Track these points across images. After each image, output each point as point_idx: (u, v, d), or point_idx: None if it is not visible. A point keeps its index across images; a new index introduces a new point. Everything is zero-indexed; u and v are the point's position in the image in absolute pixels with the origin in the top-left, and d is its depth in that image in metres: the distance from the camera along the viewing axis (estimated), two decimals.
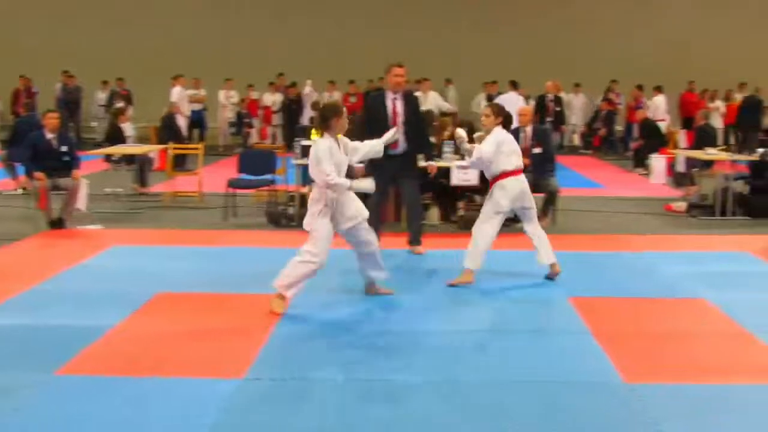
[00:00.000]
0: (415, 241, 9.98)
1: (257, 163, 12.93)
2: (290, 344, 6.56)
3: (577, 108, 25.57)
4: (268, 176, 12.68)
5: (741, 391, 5.64)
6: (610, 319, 7.38)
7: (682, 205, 13.43)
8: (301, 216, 11.49)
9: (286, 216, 11.87)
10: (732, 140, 24.27)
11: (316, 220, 7.48)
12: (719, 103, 24.71)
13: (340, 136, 7.56)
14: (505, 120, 8.56)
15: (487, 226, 8.38)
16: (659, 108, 21.72)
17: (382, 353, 6.37)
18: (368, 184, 7.63)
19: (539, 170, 11.72)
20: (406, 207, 10.34)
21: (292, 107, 24.42)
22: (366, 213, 7.71)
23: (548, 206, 11.79)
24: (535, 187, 11.51)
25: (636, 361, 6.20)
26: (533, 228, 8.66)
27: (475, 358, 6.29)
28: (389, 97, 9.86)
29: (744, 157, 13.73)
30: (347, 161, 7.63)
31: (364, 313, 7.49)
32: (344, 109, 7.58)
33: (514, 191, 8.40)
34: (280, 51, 26.38)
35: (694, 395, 5.55)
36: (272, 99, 25.04)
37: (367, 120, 9.93)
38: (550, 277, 8.60)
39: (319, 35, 26.92)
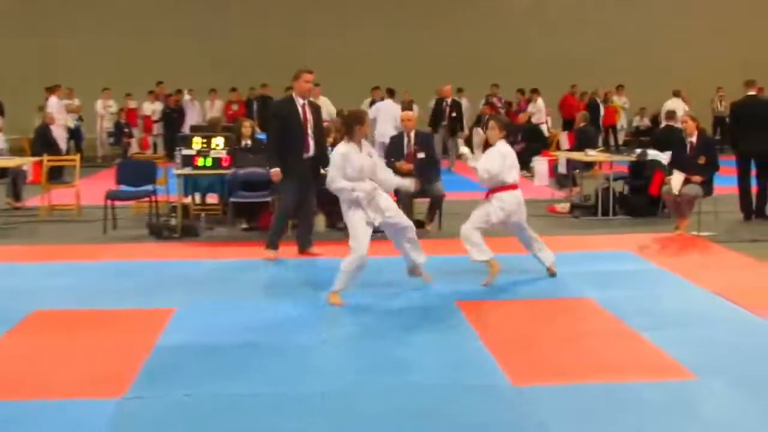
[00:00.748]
0: (309, 244, 10.20)
1: (137, 174, 12.66)
2: (173, 359, 6.38)
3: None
4: (148, 187, 12.41)
5: (629, 390, 5.70)
6: (497, 322, 7.43)
7: (565, 206, 13.68)
8: (184, 227, 11.44)
9: (168, 227, 11.66)
10: (612, 141, 24.93)
11: (347, 216, 8.06)
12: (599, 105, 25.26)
13: (363, 143, 8.24)
14: (508, 133, 8.96)
15: (474, 228, 8.74)
16: (541, 111, 22.10)
17: (260, 365, 6.24)
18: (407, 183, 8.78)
19: (424, 175, 11.75)
20: (303, 213, 10.25)
21: (172, 116, 24.06)
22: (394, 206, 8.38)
23: (434, 211, 11.86)
24: (419, 193, 11.65)
25: (524, 364, 6.23)
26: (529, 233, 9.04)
27: (360, 364, 6.24)
28: (299, 103, 9.92)
29: (623, 158, 14.03)
30: (373, 163, 8.26)
31: (246, 324, 7.34)
32: (367, 118, 8.37)
33: (511, 205, 8.75)
34: (159, 59, 25.89)
35: (582, 396, 5.60)
36: (152, 108, 24.66)
37: (279, 127, 9.96)
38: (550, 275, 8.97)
39: (199, 41, 26.52)
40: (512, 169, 8.75)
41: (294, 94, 10.07)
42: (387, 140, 13.73)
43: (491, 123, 8.98)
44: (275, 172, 9.80)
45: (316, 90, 21.62)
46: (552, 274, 8.92)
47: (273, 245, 10.02)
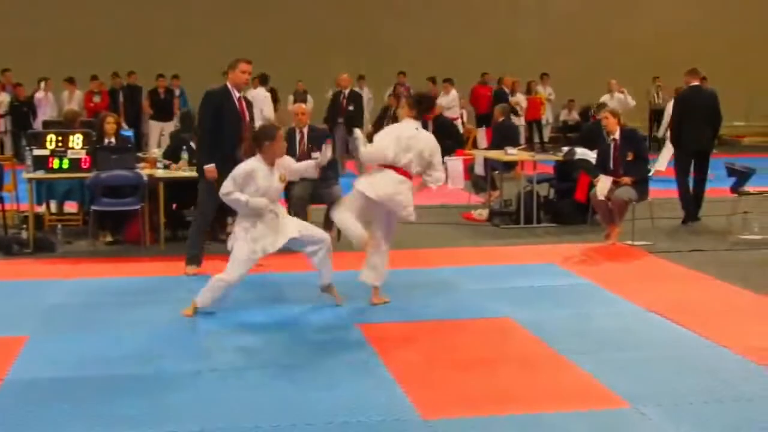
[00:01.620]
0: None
1: None
2: (24, 396, 6.31)
3: (364, 104, 25.95)
4: None
5: (553, 421, 5.84)
6: (403, 346, 7.52)
7: (482, 213, 13.88)
8: (37, 241, 11.31)
9: (19, 241, 11.52)
10: (536, 138, 25.30)
11: (236, 237, 8.25)
12: (520, 97, 25.55)
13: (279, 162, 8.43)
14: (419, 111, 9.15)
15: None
16: (455, 104, 22.32)
17: (136, 402, 6.24)
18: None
19: (320, 177, 11.80)
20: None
21: (22, 110, 23.68)
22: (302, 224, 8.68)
23: (331, 219, 11.89)
24: (314, 197, 11.72)
25: (435, 394, 6.33)
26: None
27: (241, 401, 6.23)
28: (234, 95, 10.08)
29: (548, 157, 14.28)
30: (279, 189, 8.46)
31: (111, 354, 7.30)
32: (280, 133, 8.48)
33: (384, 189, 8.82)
34: (5, 41, 25.45)
35: (500, 429, 5.73)
36: None
37: (212, 119, 9.97)
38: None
39: (52, 21, 26.15)
40: (407, 152, 8.78)
41: (229, 85, 10.11)
42: None
43: (402, 101, 9.26)
44: (210, 168, 9.76)
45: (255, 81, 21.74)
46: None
47: (194, 260, 10.04)
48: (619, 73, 23.85)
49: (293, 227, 8.42)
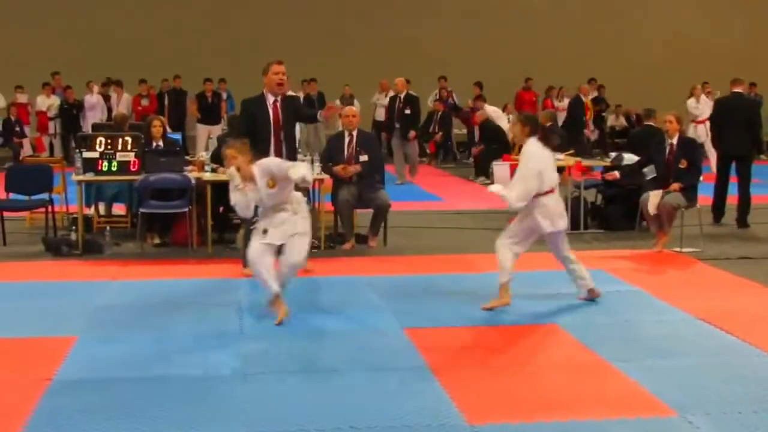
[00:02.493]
0: None
1: (30, 181, 12.60)
2: (74, 397, 6.38)
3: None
4: (44, 196, 12.37)
5: (599, 428, 5.82)
6: (450, 351, 7.52)
7: None
8: (86, 243, 11.42)
9: (68, 243, 11.63)
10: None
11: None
12: (566, 102, 25.52)
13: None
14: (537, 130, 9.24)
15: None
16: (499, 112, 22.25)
17: (180, 404, 6.29)
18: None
19: (366, 181, 11.87)
20: None
21: (71, 113, 23.93)
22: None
23: (377, 223, 11.93)
24: (360, 201, 11.77)
25: (481, 399, 6.33)
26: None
27: (296, 403, 6.28)
28: (269, 101, 10.03)
29: (596, 162, 14.22)
30: (274, 194, 8.29)
31: (159, 355, 7.37)
32: (230, 152, 8.40)
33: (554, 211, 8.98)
34: (54, 45, 25.73)
35: None
36: (47, 103, 24.48)
37: (246, 127, 9.97)
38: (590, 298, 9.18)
39: (100, 25, 26.41)
40: (553, 171, 9.10)
41: (264, 91, 10.09)
42: None
43: (512, 119, 9.37)
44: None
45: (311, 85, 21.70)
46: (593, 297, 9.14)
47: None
48: (666, 80, 23.70)
49: (286, 233, 8.34)
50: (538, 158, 8.92)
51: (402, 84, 20.31)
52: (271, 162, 8.57)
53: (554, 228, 8.91)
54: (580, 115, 23.68)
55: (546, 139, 9.04)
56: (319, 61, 25.48)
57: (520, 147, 19.54)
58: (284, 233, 8.29)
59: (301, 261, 8.40)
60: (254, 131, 9.78)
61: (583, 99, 23.88)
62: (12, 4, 26.27)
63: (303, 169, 8.23)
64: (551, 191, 8.92)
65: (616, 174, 12.22)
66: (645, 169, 12.80)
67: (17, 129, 23.56)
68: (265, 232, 8.28)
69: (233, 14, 26.93)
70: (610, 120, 27.53)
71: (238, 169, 8.32)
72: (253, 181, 8.27)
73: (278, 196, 8.32)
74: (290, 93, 10.29)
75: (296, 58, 25.40)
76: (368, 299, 9.18)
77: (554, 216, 8.91)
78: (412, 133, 19.48)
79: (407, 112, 19.76)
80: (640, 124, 17.36)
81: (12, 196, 12.49)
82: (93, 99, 23.97)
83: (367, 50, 26.93)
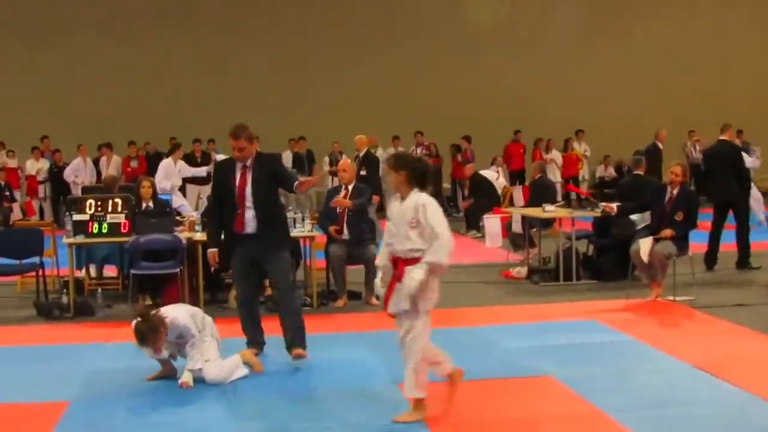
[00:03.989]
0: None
1: (21, 245, 12.56)
2: None
3: None
4: (34, 259, 12.34)
5: None
6: (445, 405, 7.47)
7: (521, 271, 13.85)
8: (77, 305, 11.39)
9: (59, 306, 11.60)
10: (573, 194, 25.28)
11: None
12: (556, 154, 25.70)
13: None
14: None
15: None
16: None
17: None
18: None
19: (356, 236, 11.87)
20: (252, 306, 9.46)
21: (60, 176, 23.95)
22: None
23: (372, 279, 11.88)
24: (351, 257, 11.77)
25: None
26: None
27: None
28: (238, 165, 8.92)
29: (586, 213, 14.24)
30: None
31: (155, 421, 7.35)
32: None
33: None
34: (39, 110, 25.81)
35: None
36: (37, 166, 24.53)
37: (215, 195, 9.44)
38: None
39: (90, 91, 26.54)
40: None
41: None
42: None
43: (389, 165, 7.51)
44: (210, 253, 9.19)
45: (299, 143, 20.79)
46: None
47: (250, 343, 9.26)
48: (652, 128, 23.76)
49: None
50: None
51: (361, 141, 19.39)
52: (181, 327, 8.25)
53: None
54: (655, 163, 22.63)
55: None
56: (308, 118, 25.64)
57: (511, 199, 19.60)
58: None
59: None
60: (224, 196, 8.98)
61: (660, 146, 23.02)
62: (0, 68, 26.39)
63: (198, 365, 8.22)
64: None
65: (614, 207, 12.20)
66: (636, 219, 12.83)
67: (7, 193, 23.54)
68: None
69: (221, 74, 27.00)
70: (599, 170, 27.68)
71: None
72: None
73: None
74: (271, 152, 9.54)
75: (286, 115, 25.72)
76: (361, 355, 9.15)
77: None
78: (374, 197, 15.19)
79: (362, 173, 16.66)
80: (629, 174, 17.38)
81: (2, 260, 12.45)
82: (82, 162, 23.98)
83: (354, 105, 27.04)
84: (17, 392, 8.04)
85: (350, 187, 12.18)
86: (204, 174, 20.48)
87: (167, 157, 18.65)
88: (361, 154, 18.17)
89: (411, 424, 7.00)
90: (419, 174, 7.09)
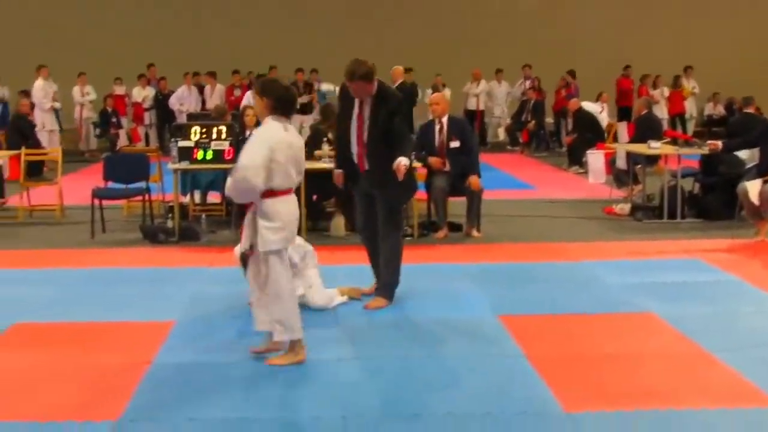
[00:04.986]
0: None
1: (127, 170, 12.79)
2: (174, 378, 6.51)
3: (501, 98, 26.03)
4: (140, 184, 12.55)
5: (698, 418, 5.77)
6: (546, 339, 7.48)
7: (624, 207, 13.70)
8: (182, 230, 11.59)
9: (165, 230, 11.80)
10: (679, 131, 24.90)
11: None
12: (663, 90, 25.30)
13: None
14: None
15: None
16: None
17: (280, 387, 6.36)
18: None
19: (458, 168, 11.84)
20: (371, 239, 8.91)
21: (166, 103, 24.25)
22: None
23: (474, 212, 11.87)
24: (454, 189, 11.75)
25: (576, 387, 6.29)
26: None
27: (391, 388, 6.32)
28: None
29: (693, 151, 14.01)
30: None
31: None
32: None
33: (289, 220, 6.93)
34: (148, 39, 26.13)
35: (643, 423, 5.66)
36: (143, 94, 24.86)
37: (338, 123, 8.97)
38: None
39: (195, 19, 26.75)
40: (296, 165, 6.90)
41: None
42: None
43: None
44: (335, 174, 8.88)
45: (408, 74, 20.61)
46: None
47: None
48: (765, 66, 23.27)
49: None
50: (274, 140, 6.72)
51: (398, 72, 19.02)
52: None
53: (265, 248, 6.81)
54: None
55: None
56: (412, 50, 25.54)
57: (614, 135, 19.38)
58: None
59: None
60: (344, 126, 8.59)
61: None
62: (108, 6, 26.71)
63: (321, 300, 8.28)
64: (285, 193, 6.85)
65: (719, 144, 11.99)
66: (745, 157, 12.60)
67: (114, 120, 23.97)
68: None
69: (326, 6, 27.02)
70: (707, 108, 27.18)
71: None
72: None
73: None
74: (393, 91, 8.67)
75: (392, 48, 25.64)
76: (462, 287, 9.17)
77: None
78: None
79: None
80: (739, 111, 17.03)
81: (110, 184, 12.70)
82: (186, 90, 24.23)
83: (460, 40, 26.88)
84: (126, 311, 8.25)
85: (444, 120, 12.09)
86: (305, 101, 20.66)
87: (251, 85, 18.97)
88: (395, 86, 17.82)
89: (509, 352, 7.02)
90: (283, 103, 6.82)
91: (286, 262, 6.92)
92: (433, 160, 11.80)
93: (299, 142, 6.97)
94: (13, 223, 13.26)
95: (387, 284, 8.59)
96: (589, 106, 20.75)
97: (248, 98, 17.76)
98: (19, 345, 7.38)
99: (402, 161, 8.14)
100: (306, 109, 23.39)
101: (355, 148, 8.44)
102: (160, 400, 6.09)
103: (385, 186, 8.30)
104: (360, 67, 8.15)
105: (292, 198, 6.90)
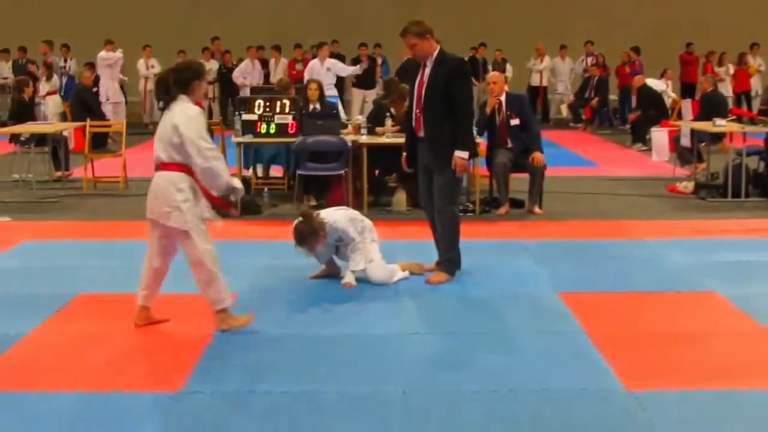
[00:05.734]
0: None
1: None
2: (235, 350, 6.56)
3: (564, 74, 25.87)
4: None
5: (761, 398, 5.70)
6: (607, 317, 7.44)
7: (688, 186, 13.56)
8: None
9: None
10: (744, 109, 24.55)
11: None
12: (728, 68, 24.95)
13: None
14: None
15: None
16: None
17: (341, 360, 6.39)
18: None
19: (520, 145, 11.79)
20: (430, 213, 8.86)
21: (229, 76, 24.35)
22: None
23: (537, 188, 11.79)
24: (516, 166, 11.69)
25: (638, 366, 6.26)
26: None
27: (456, 365, 6.32)
28: (421, 65, 8.44)
29: (758, 129, 13.84)
30: None
31: (317, 312, 7.54)
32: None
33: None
34: (213, 12, 26.26)
35: (706, 403, 5.62)
36: (207, 67, 24.95)
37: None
38: None
39: None
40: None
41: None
42: None
43: None
44: (403, 157, 8.84)
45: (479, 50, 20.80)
46: None
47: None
48: None
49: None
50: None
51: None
52: (339, 231, 8.30)
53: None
54: None
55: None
56: (478, 26, 25.46)
57: (679, 112, 19.16)
58: None
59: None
60: (409, 100, 8.66)
61: None
62: None
63: (380, 272, 8.30)
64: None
65: None
66: None
67: None
68: None
69: None
70: None
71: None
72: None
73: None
74: (455, 56, 8.50)
75: (459, 23, 25.53)
76: (522, 263, 9.15)
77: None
78: None
79: None
80: None
81: None
82: (250, 64, 24.31)
83: (524, 15, 26.74)
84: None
85: (502, 98, 12.00)
86: (359, 71, 20.66)
87: (313, 58, 19.07)
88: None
89: (570, 329, 6.99)
90: (178, 80, 6.90)
91: None
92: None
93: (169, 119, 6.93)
94: (77, 194, 13.40)
95: (448, 260, 8.56)
96: (653, 83, 20.54)
97: (310, 72, 17.80)
98: (82, 316, 7.47)
99: (459, 156, 8.16)
100: (369, 84, 23.37)
101: (414, 112, 8.44)
102: (221, 373, 6.13)
103: (441, 157, 8.25)
104: (413, 24, 8.26)
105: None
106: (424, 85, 8.27)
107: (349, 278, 8.26)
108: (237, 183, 7.24)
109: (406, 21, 8.38)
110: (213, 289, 6.94)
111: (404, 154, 8.79)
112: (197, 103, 7.01)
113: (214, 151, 6.94)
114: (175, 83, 6.93)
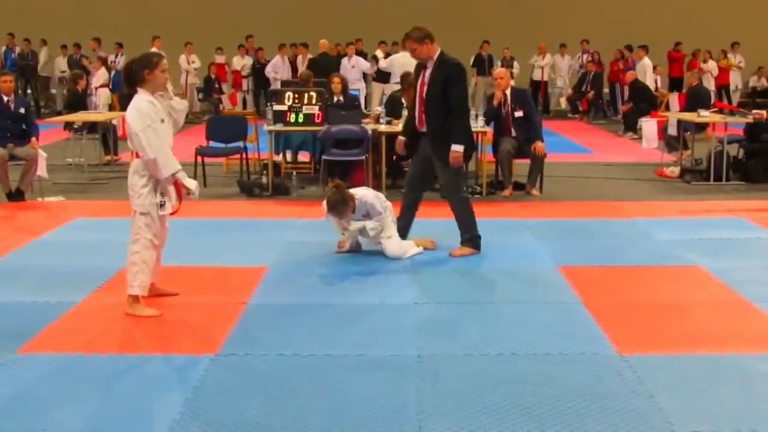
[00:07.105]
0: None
1: (227, 130, 12.91)
2: (266, 318, 6.55)
3: (563, 70, 25.78)
4: (239, 144, 12.64)
5: (739, 361, 5.66)
6: (601, 288, 7.40)
7: (674, 170, 13.51)
8: (275, 185, 11.65)
9: (259, 185, 11.87)
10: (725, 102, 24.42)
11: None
12: (712, 64, 24.81)
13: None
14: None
15: None
16: (647, 70, 21.74)
17: (362, 328, 6.37)
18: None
19: (523, 134, 11.78)
20: (411, 199, 8.91)
21: (262, 71, 24.30)
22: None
23: (536, 173, 11.80)
24: (519, 153, 11.68)
25: (629, 332, 6.22)
26: None
27: (462, 331, 6.30)
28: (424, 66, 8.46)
29: (739, 120, 13.77)
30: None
31: (340, 283, 7.52)
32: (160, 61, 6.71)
33: None
34: (248, 12, 26.22)
35: (690, 366, 5.58)
36: (242, 63, 24.95)
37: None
38: None
39: None
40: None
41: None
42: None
43: None
44: (398, 140, 8.89)
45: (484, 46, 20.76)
46: None
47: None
48: None
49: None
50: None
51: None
52: (368, 205, 8.33)
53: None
54: None
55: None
56: (485, 25, 25.34)
57: (666, 104, 19.04)
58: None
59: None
60: (414, 95, 8.54)
61: None
62: None
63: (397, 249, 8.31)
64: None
65: (763, 113, 11.76)
66: None
67: (216, 86, 24.07)
68: None
69: None
70: (752, 81, 26.62)
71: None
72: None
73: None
74: (453, 59, 8.35)
75: (466, 23, 25.43)
76: (525, 240, 9.12)
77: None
78: None
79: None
80: None
81: (212, 144, 12.79)
82: (280, 60, 24.26)
83: (528, 16, 26.62)
84: (225, 257, 8.31)
85: (507, 92, 11.95)
86: (371, 71, 20.67)
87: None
88: None
89: (568, 300, 6.96)
90: (128, 75, 6.72)
91: None
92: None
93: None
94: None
95: (469, 238, 8.55)
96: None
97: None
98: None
99: (455, 150, 8.18)
100: (387, 79, 23.27)
101: (417, 109, 8.45)
102: (254, 337, 6.12)
103: (442, 151, 8.26)
104: (413, 30, 8.28)
105: None
106: (426, 86, 8.29)
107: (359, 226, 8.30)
108: (190, 183, 6.97)
109: (415, 21, 8.36)
110: (131, 272, 6.71)
111: (401, 138, 8.82)
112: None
113: (160, 142, 6.65)
114: (127, 80, 6.78)
